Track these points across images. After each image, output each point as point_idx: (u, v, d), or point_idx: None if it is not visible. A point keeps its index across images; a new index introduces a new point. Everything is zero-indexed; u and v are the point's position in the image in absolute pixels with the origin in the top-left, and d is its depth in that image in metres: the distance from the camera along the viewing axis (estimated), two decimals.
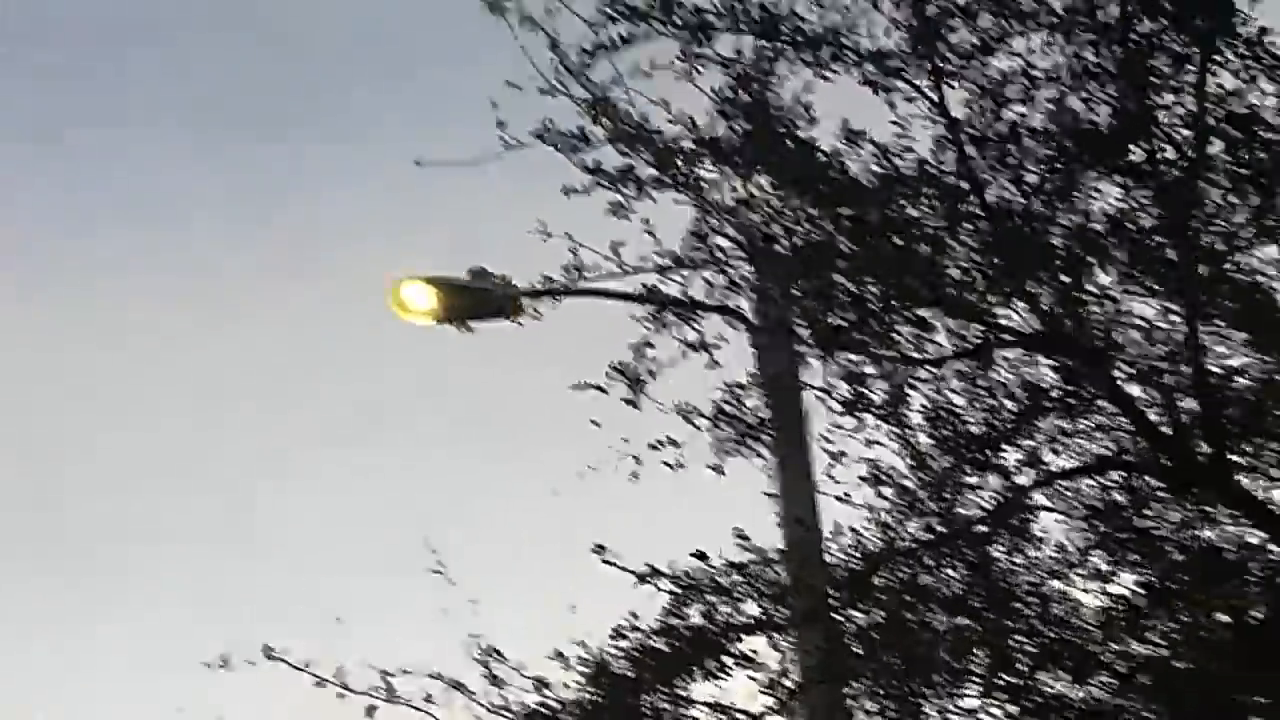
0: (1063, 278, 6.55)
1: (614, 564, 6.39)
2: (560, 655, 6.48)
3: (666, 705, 6.27)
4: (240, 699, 6.68)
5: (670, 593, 6.43)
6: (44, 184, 12.90)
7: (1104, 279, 6.75)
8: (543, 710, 6.29)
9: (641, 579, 6.40)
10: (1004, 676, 6.75)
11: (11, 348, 12.35)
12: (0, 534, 12.35)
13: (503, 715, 6.67)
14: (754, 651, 6.39)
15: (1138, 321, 7.01)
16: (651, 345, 7.30)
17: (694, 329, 7.33)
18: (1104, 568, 7.18)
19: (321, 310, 12.01)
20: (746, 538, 6.93)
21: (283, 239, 12.76)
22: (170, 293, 12.54)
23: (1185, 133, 6.32)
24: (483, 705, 6.74)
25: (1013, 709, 6.84)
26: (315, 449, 12.44)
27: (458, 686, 6.72)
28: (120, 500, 12.61)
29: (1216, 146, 6.32)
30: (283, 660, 6.19)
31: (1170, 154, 6.38)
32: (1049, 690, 6.82)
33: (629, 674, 6.24)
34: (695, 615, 6.41)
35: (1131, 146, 6.38)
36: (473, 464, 11.79)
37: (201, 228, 12.67)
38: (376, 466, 12.08)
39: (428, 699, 6.66)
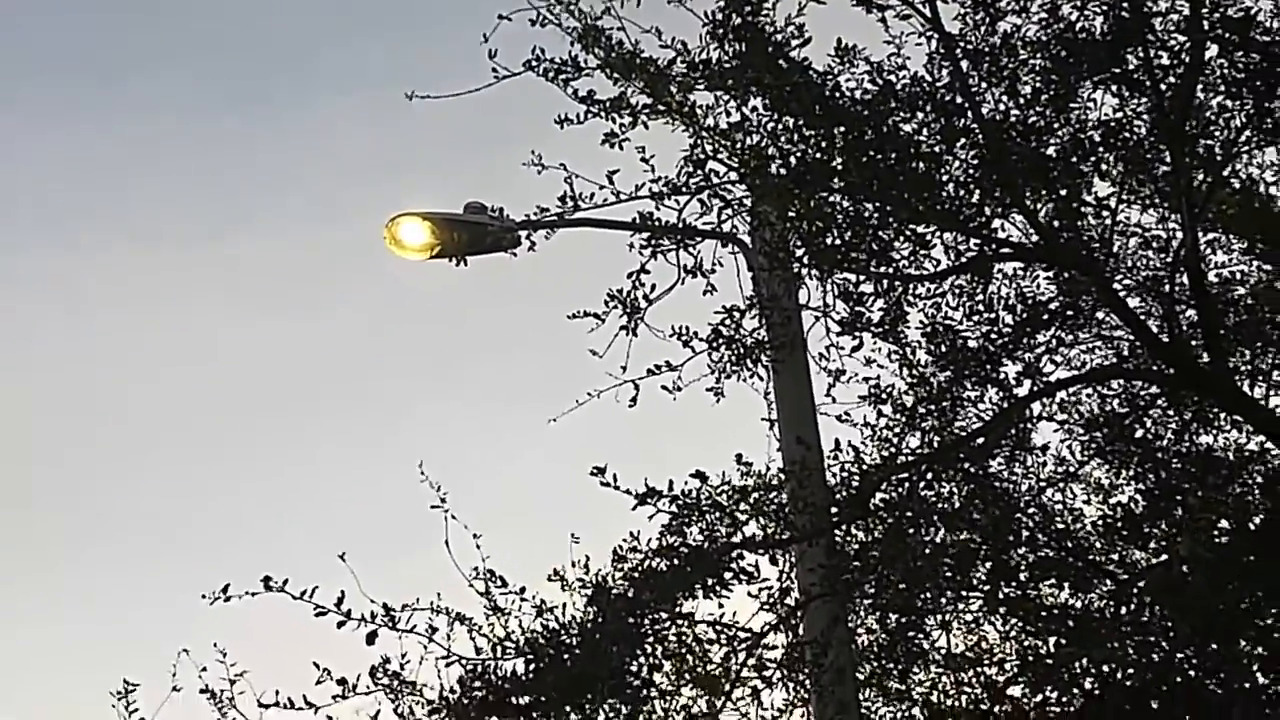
0: (1060, 189, 6.52)
1: (612, 485, 6.38)
2: (558, 575, 6.48)
3: (667, 624, 6.26)
4: (241, 635, 6.70)
5: (669, 513, 6.42)
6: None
7: (1101, 189, 6.75)
8: (544, 633, 6.27)
9: (641, 499, 6.37)
10: (1005, 589, 6.76)
11: None
12: None
13: (505, 645, 6.63)
14: (754, 567, 6.40)
15: (1136, 231, 7.03)
16: (647, 272, 7.29)
17: (690, 254, 7.33)
18: (1104, 479, 7.22)
19: (318, 248, 11.99)
20: (748, 464, 6.93)
21: (275, 181, 12.73)
22: (163, 234, 12.48)
23: (1180, 38, 6.28)
24: (485, 636, 6.70)
25: (1014, 620, 6.85)
26: (313, 387, 12.47)
27: (461, 619, 6.67)
28: (117, 435, 12.63)
29: (1212, 51, 6.28)
30: (282, 590, 6.15)
31: (1166, 60, 6.34)
32: (1051, 600, 6.84)
33: (629, 594, 6.23)
34: (695, 534, 6.41)
35: (1127, 54, 6.32)
36: (471, 398, 11.82)
37: (193, 172, 12.60)
38: (374, 404, 12.11)
39: (432, 631, 6.61)
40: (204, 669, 6.49)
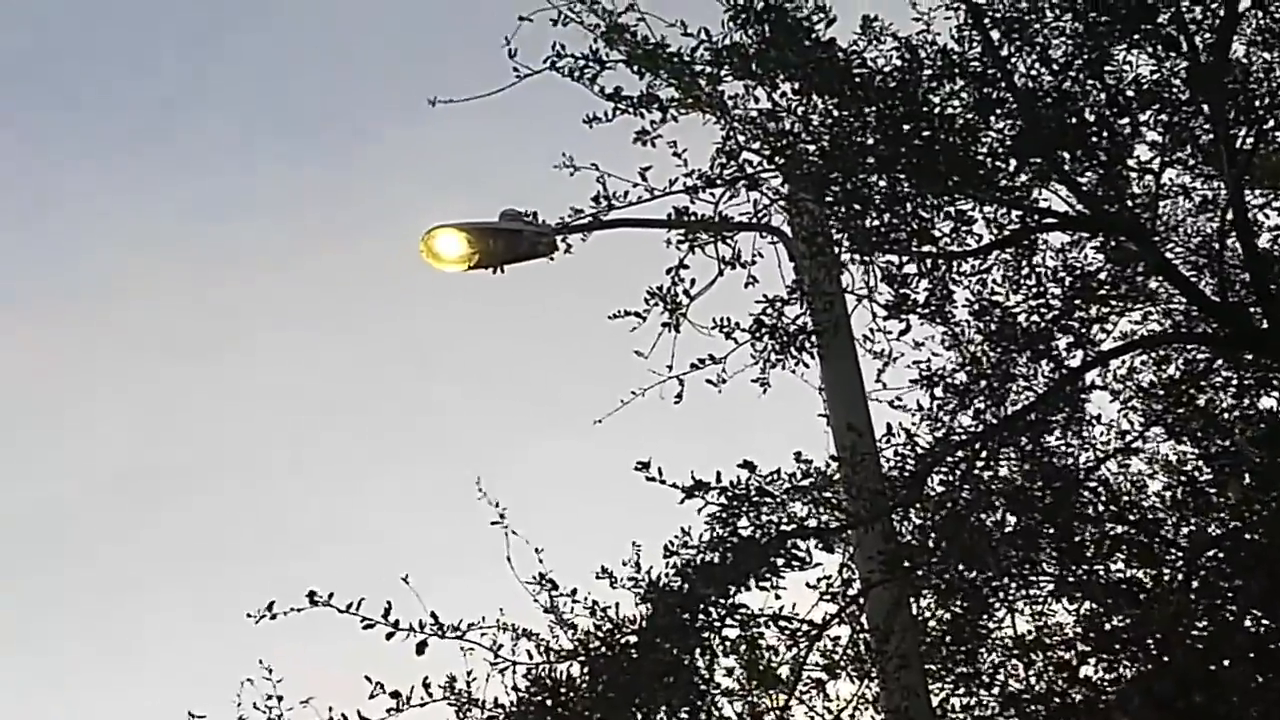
0: (1100, 155, 6.38)
1: (658, 480, 6.26)
2: (606, 573, 6.35)
3: (723, 616, 6.12)
4: (295, 664, 6.60)
5: (719, 505, 6.29)
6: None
7: (1144, 154, 6.60)
8: (597, 633, 6.17)
9: (688, 493, 6.26)
10: (1072, 568, 6.58)
11: None
12: None
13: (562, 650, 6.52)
14: (808, 554, 6.25)
15: (1181, 196, 6.87)
16: (686, 267, 7.17)
17: (728, 246, 7.20)
18: (1168, 452, 7.04)
19: (356, 265, 11.90)
20: (808, 460, 6.77)
21: (311, 200, 12.64)
22: (201, 250, 12.39)
23: None
24: (551, 649, 6.60)
25: (1083, 600, 6.67)
26: (359, 408, 12.38)
27: (527, 634, 6.56)
28: (162, 464, 12.57)
29: (1246, 2, 6.14)
30: (328, 604, 6.06)
31: (1199, 15, 6.19)
32: (1120, 577, 6.66)
33: (681, 589, 6.10)
34: (745, 524, 6.27)
35: (1159, 10, 6.18)
36: (518, 407, 11.71)
37: (228, 184, 12.50)
38: (421, 421, 12.01)
39: (496, 648, 6.50)
40: (269, 696, 6.43)
